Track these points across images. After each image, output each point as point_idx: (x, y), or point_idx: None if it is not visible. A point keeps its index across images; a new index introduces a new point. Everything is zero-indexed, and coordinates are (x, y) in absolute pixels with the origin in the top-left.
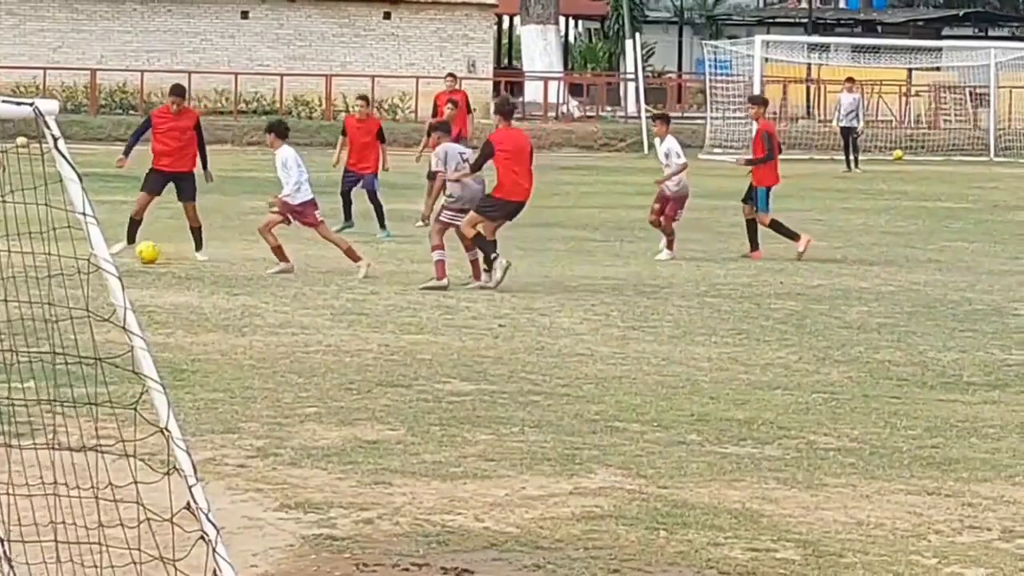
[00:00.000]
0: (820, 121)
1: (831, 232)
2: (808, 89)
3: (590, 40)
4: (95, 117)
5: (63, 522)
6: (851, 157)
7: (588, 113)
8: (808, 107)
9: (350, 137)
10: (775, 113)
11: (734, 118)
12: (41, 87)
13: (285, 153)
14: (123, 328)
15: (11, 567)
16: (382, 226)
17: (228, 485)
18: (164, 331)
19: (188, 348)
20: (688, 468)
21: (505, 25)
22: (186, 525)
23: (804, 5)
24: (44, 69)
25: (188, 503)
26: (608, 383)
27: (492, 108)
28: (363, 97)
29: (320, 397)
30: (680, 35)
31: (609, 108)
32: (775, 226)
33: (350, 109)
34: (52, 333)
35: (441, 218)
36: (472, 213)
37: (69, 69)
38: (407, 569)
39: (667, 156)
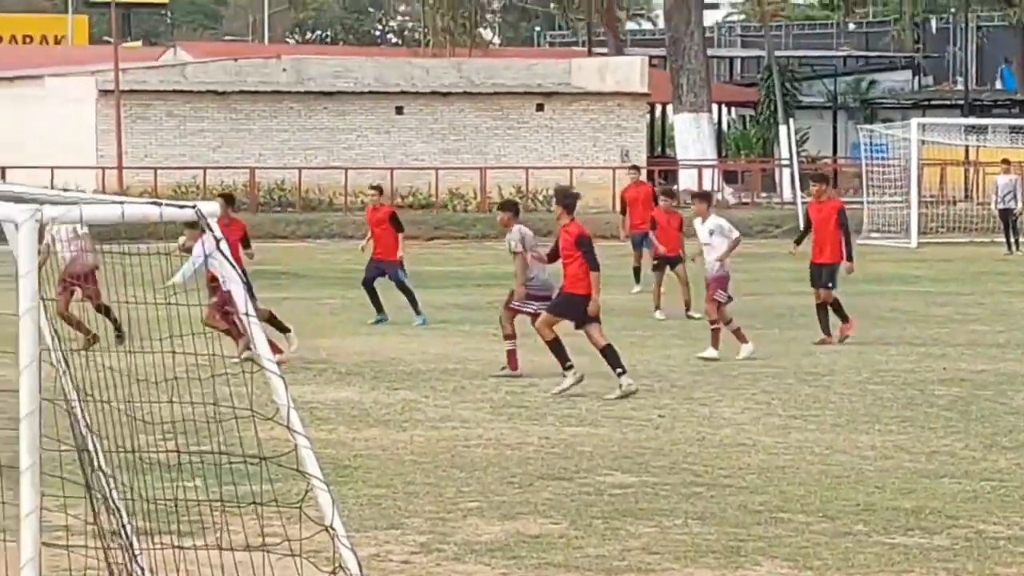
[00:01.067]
0: (979, 204)
1: (994, 316)
2: (966, 171)
3: (743, 126)
4: (255, 215)
5: None
6: (1011, 239)
7: (743, 200)
8: (966, 189)
9: (370, 227)
10: (934, 195)
11: (892, 202)
12: (201, 187)
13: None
14: (287, 427)
15: None
16: (416, 312)
17: None
18: (326, 427)
19: (350, 444)
20: (855, 559)
21: (658, 113)
22: None
23: (960, 87)
24: (204, 169)
25: None
26: (771, 473)
27: (554, 199)
28: (376, 186)
29: (482, 491)
30: (834, 120)
31: (764, 194)
32: (836, 305)
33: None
34: (218, 432)
35: (512, 304)
36: (546, 315)
37: (228, 168)
38: None
39: (711, 234)
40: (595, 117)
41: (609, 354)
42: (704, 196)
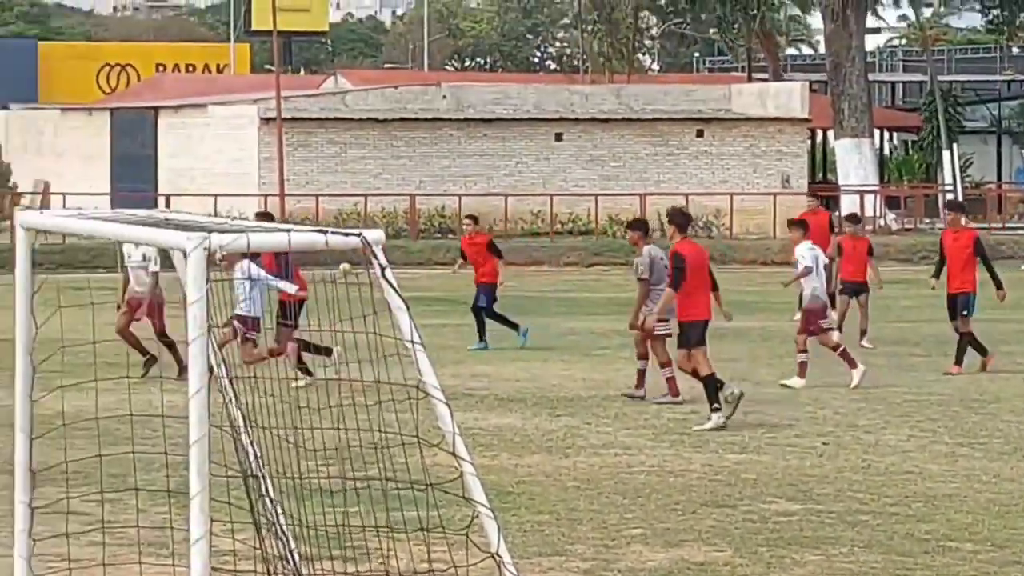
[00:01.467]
0: None
1: None
2: None
3: (906, 152)
4: (415, 242)
5: None
6: None
7: (906, 226)
8: None
9: (468, 256)
10: None
11: None
12: (362, 213)
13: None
14: (452, 453)
15: None
16: (480, 338)
17: None
18: (489, 453)
19: (513, 470)
20: None
21: (819, 139)
22: None
23: None
24: (365, 196)
25: None
26: (938, 501)
27: (667, 218)
28: (470, 216)
29: (645, 518)
30: (999, 145)
31: (927, 220)
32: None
33: (664, 228)
34: (381, 458)
35: (656, 331)
36: (679, 351)
37: (389, 195)
38: None
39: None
40: (755, 143)
41: (708, 380)
42: (800, 224)
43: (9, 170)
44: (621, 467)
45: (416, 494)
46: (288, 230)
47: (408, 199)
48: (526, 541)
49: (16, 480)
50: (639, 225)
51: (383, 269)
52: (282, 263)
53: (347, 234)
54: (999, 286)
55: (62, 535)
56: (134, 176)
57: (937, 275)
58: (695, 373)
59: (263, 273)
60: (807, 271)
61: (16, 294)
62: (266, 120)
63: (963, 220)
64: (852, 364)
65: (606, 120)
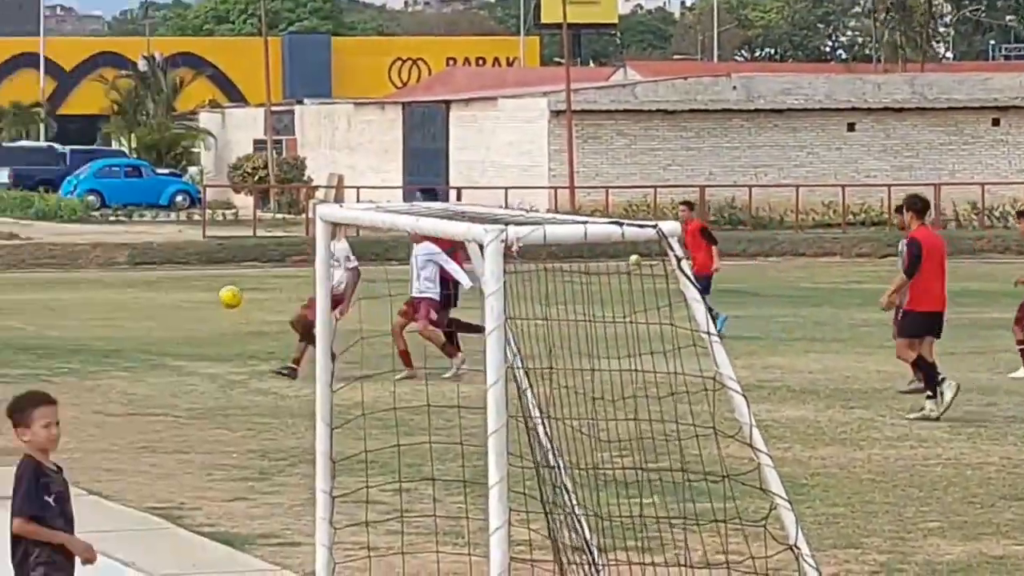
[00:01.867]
0: None
1: None
2: None
3: None
4: None
5: None
6: None
7: None
8: None
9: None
10: None
11: None
12: (652, 205)
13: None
14: (749, 445)
15: None
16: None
17: None
18: (782, 445)
19: (806, 462)
20: None
21: None
22: None
23: None
24: (654, 187)
25: None
26: None
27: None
28: (686, 203)
29: (942, 511)
30: None
31: None
32: None
33: (959, 218)
34: (674, 449)
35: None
36: (899, 340)
37: (679, 187)
38: None
39: None
40: None
41: (923, 364)
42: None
43: (304, 164)
44: (916, 460)
45: (711, 485)
46: (584, 222)
47: (698, 190)
48: (821, 534)
49: (317, 469)
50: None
51: (679, 260)
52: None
53: (642, 226)
54: None
55: (361, 523)
56: (425, 169)
57: None
58: (915, 363)
59: (437, 251)
60: None
61: (316, 286)
62: (556, 113)
63: None
64: None
65: (899, 109)
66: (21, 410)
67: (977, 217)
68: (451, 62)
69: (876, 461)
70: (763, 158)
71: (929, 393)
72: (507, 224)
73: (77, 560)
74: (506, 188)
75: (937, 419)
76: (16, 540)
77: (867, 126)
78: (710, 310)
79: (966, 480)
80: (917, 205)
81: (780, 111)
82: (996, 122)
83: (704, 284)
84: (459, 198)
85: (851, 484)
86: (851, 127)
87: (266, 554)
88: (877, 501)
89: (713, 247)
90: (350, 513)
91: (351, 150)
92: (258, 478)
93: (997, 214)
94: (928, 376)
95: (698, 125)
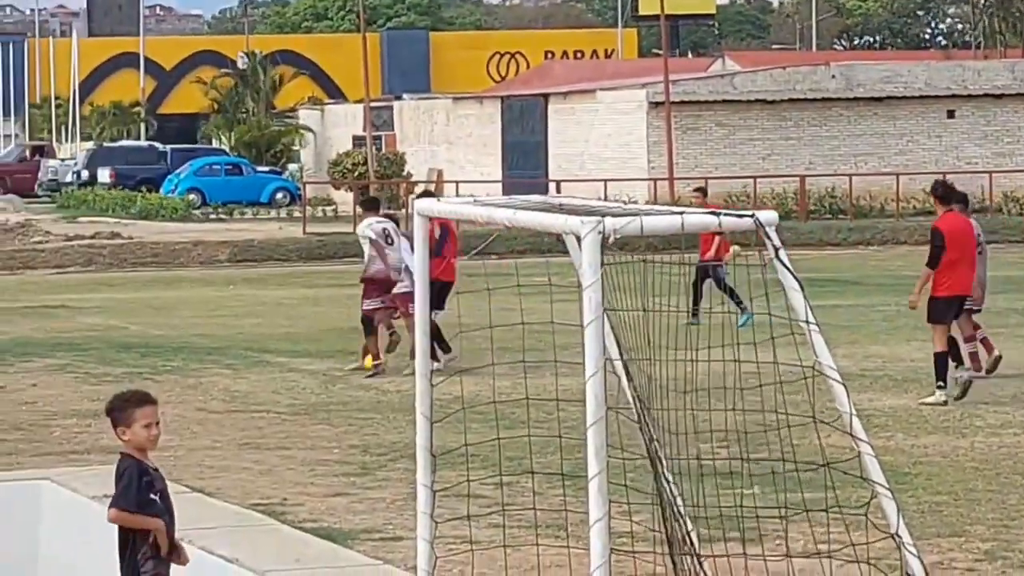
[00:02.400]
0: None
1: None
2: None
3: None
4: (805, 223)
5: None
6: None
7: None
8: None
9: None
10: None
11: None
12: (751, 195)
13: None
14: (849, 433)
15: None
16: (741, 311)
17: None
18: (884, 434)
19: (909, 451)
20: None
21: None
22: None
23: None
24: (754, 178)
25: None
26: None
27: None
28: (699, 189)
29: None
30: None
31: None
32: None
33: None
34: (774, 439)
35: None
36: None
37: (778, 176)
38: None
39: None
40: None
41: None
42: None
43: (403, 159)
44: (1020, 447)
45: (811, 475)
46: (681, 212)
47: (797, 180)
48: (924, 522)
49: (418, 463)
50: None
51: (777, 250)
52: (441, 239)
53: (740, 215)
54: None
55: (463, 517)
56: (524, 163)
57: None
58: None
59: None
60: None
61: (415, 279)
62: (654, 104)
63: None
64: None
65: (999, 96)
66: (122, 410)
67: None
68: (549, 55)
69: (979, 449)
70: (863, 146)
71: (940, 383)
72: (604, 216)
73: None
74: (605, 180)
75: (945, 403)
76: (125, 535)
77: (967, 113)
78: (737, 300)
79: None
80: (939, 191)
81: (879, 99)
82: None
83: (717, 272)
84: (558, 191)
85: (954, 472)
86: (951, 114)
87: (368, 549)
88: (980, 489)
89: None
90: (451, 507)
91: (450, 145)
92: (359, 473)
93: None
94: (939, 364)
95: (797, 114)
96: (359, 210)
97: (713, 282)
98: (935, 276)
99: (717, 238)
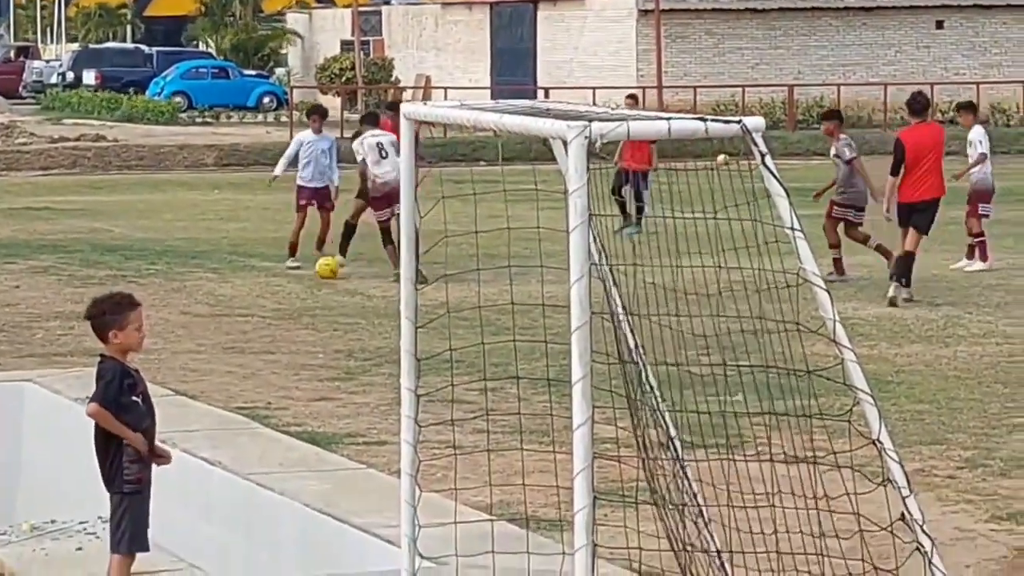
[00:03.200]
0: None
1: None
2: None
3: None
4: (792, 133)
5: (780, 532)
6: None
7: None
8: None
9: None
10: None
11: None
12: (740, 105)
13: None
14: (833, 340)
15: None
16: (636, 224)
17: (938, 496)
18: (868, 343)
19: (892, 359)
20: None
21: None
22: (900, 536)
23: None
24: (743, 87)
25: (903, 514)
26: None
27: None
28: (632, 96)
29: None
30: None
31: None
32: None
33: None
34: (762, 346)
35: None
36: (901, 229)
37: (767, 86)
38: None
39: (970, 146)
40: None
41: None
42: (967, 107)
43: (391, 65)
44: (1002, 356)
45: (795, 383)
46: (668, 118)
47: (786, 90)
48: (906, 430)
49: (402, 367)
50: (834, 115)
51: (763, 156)
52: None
53: (727, 122)
54: None
55: (447, 422)
56: (513, 69)
57: None
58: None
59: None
60: (981, 157)
61: (401, 185)
62: (644, 12)
63: None
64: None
65: (988, 7)
66: (117, 312)
67: None
68: None
69: (962, 358)
70: (851, 56)
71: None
72: (591, 121)
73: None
74: (593, 88)
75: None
76: (105, 437)
77: (956, 24)
78: (640, 210)
79: None
80: (911, 104)
81: (868, 9)
82: None
83: (639, 181)
84: (546, 98)
85: (937, 381)
86: (939, 25)
87: (352, 453)
88: (962, 398)
89: (652, 144)
90: (435, 412)
91: (438, 51)
92: (344, 378)
93: None
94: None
95: (786, 24)
96: (360, 126)
97: (632, 192)
98: (904, 185)
99: (653, 147)
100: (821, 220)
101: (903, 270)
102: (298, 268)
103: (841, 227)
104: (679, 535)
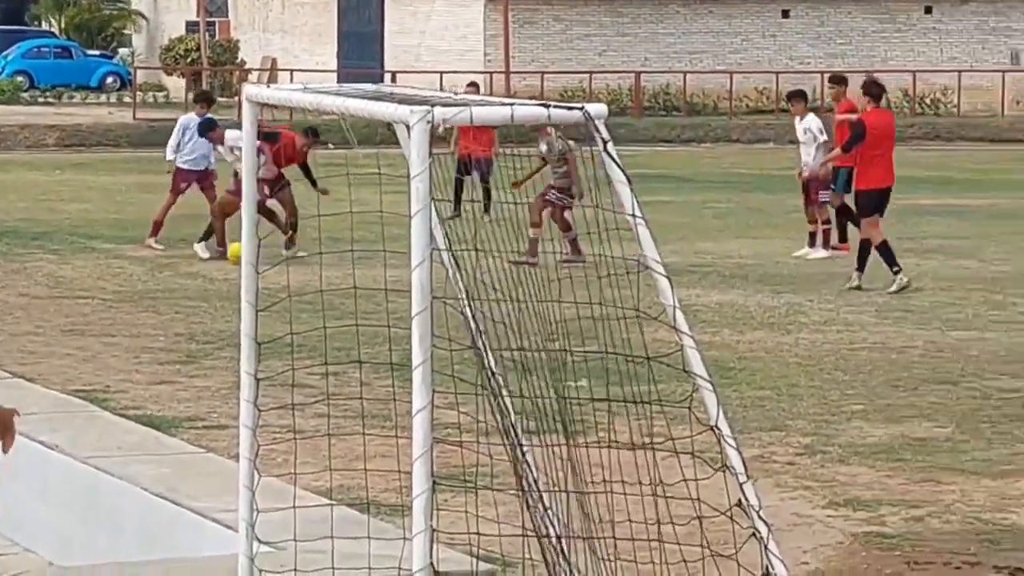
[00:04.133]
0: None
1: None
2: None
3: None
4: (639, 119)
5: (618, 520)
6: None
7: None
8: None
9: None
10: None
11: None
12: (587, 91)
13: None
14: (672, 327)
15: (569, 563)
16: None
17: (777, 482)
18: (710, 329)
19: (734, 346)
20: None
21: None
22: (738, 522)
23: None
24: (590, 73)
25: (739, 500)
26: None
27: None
28: (472, 84)
29: (867, 394)
30: None
31: None
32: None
33: (891, 105)
34: (603, 333)
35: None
36: (862, 219)
37: (614, 72)
38: (959, 567)
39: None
40: (984, 19)
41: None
42: (799, 95)
43: (237, 46)
44: (843, 343)
45: (637, 369)
46: (511, 104)
47: (633, 77)
48: (747, 416)
49: (242, 351)
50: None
51: (605, 143)
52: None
53: (570, 108)
54: None
55: (287, 407)
56: (360, 53)
57: None
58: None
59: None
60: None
61: (243, 167)
62: None
63: None
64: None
65: None
66: None
67: (908, 105)
68: None
69: (803, 345)
70: (698, 44)
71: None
72: (434, 105)
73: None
74: (441, 73)
75: (908, 285)
76: None
77: (801, 13)
78: (487, 195)
79: (890, 364)
80: (871, 90)
81: None
82: (928, 10)
83: (489, 168)
84: (393, 82)
85: (778, 368)
86: (785, 14)
87: (192, 437)
88: (803, 385)
89: (495, 131)
90: (277, 396)
91: (285, 33)
92: (185, 361)
93: (928, 102)
94: (884, 254)
95: (634, 11)
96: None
97: (479, 178)
98: (860, 170)
99: (495, 134)
100: (667, 207)
101: (862, 258)
102: (163, 249)
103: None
104: (536, 521)
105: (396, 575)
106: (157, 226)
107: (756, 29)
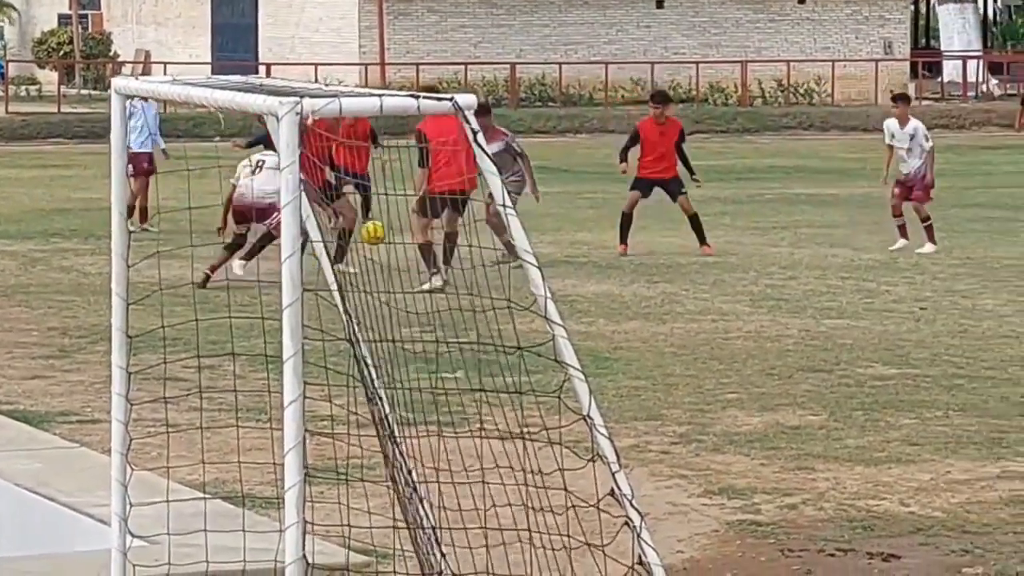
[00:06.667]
0: None
1: None
2: None
3: (1010, 17)
4: (515, 111)
5: (491, 509)
6: None
7: (1009, 91)
8: None
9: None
10: None
11: None
12: (463, 82)
13: None
14: (544, 317)
15: (442, 554)
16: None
17: (652, 471)
18: (586, 320)
19: (609, 336)
20: None
21: (922, 6)
22: (611, 511)
23: None
24: (465, 64)
25: (612, 489)
26: None
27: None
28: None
29: (741, 383)
30: None
31: None
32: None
33: (765, 95)
34: (477, 323)
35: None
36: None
37: (489, 64)
38: (832, 554)
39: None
40: (857, 9)
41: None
42: (906, 98)
43: (110, 39)
44: (718, 333)
45: (511, 359)
46: (380, 95)
47: (508, 68)
48: (622, 406)
49: (113, 345)
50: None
51: (475, 134)
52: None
53: (439, 99)
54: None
55: (160, 400)
56: (235, 45)
57: None
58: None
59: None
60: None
61: (112, 160)
62: None
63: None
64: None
65: None
66: None
67: (782, 94)
68: None
69: (678, 335)
70: (573, 35)
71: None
72: (303, 96)
73: None
74: (316, 65)
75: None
76: None
77: (676, 4)
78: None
79: (765, 352)
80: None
81: None
82: (802, 0)
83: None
84: (268, 74)
85: (653, 357)
86: (660, 4)
87: (65, 432)
88: (678, 374)
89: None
90: (151, 390)
91: (158, 25)
92: (58, 356)
93: (802, 91)
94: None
95: (509, 2)
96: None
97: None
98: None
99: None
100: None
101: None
102: (157, 232)
103: None
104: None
105: (272, 568)
106: (143, 213)
107: (631, 20)
